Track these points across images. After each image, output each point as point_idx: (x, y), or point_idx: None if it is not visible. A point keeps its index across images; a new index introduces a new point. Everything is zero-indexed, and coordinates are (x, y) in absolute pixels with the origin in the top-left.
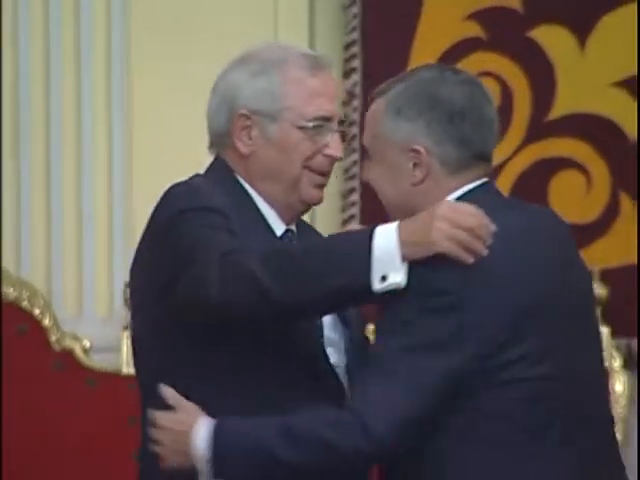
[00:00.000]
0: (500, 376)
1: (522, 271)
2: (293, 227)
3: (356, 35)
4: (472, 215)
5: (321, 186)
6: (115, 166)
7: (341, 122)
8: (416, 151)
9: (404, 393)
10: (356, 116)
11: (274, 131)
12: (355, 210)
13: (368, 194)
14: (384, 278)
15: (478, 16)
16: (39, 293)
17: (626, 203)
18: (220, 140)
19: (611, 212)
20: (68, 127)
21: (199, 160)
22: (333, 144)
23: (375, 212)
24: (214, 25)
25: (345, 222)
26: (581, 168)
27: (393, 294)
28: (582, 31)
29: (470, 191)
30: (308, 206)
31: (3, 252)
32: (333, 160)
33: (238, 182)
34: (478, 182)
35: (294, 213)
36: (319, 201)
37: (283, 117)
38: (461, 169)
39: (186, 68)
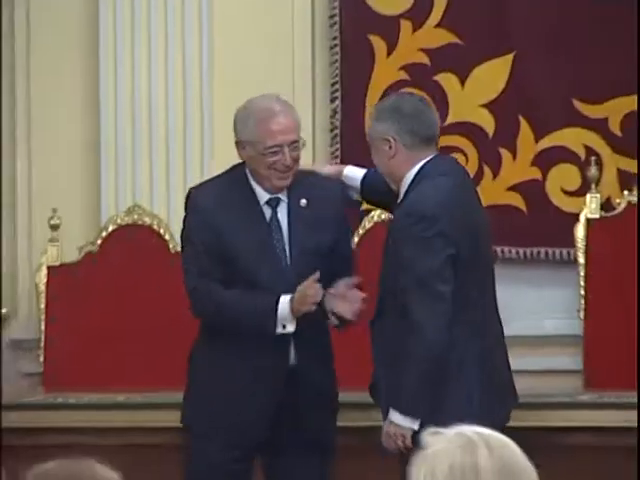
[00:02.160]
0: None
1: (453, 209)
2: (278, 195)
3: (338, 78)
4: (310, 288)
5: (284, 178)
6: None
7: (294, 142)
8: (388, 140)
9: None
10: (338, 124)
11: (250, 152)
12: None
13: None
14: (284, 327)
15: (405, 68)
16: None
17: (488, 174)
18: None
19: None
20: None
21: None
22: (284, 158)
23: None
24: None
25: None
26: (463, 152)
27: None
28: (463, 76)
29: (426, 162)
30: (279, 189)
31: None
32: (285, 166)
33: (245, 174)
34: (430, 156)
35: (274, 191)
36: (283, 187)
37: (254, 145)
38: (415, 149)
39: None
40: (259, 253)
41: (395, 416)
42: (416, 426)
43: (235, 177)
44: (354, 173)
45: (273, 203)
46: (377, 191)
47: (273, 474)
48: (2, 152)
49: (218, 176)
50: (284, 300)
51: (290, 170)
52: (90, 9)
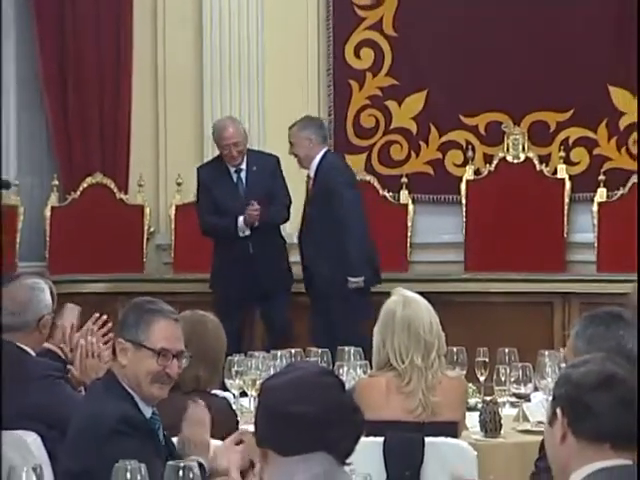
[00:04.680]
0: None
1: None
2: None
3: (332, 102)
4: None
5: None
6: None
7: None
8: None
9: None
10: (332, 127)
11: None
12: None
13: None
14: (243, 232)
15: (369, 97)
16: None
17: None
18: None
19: None
20: None
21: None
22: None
23: None
24: None
25: None
26: (400, 143)
27: None
28: (400, 102)
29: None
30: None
31: None
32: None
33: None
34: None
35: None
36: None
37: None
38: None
39: None
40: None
41: None
42: None
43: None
44: None
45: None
46: None
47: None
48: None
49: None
50: (240, 219)
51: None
52: None
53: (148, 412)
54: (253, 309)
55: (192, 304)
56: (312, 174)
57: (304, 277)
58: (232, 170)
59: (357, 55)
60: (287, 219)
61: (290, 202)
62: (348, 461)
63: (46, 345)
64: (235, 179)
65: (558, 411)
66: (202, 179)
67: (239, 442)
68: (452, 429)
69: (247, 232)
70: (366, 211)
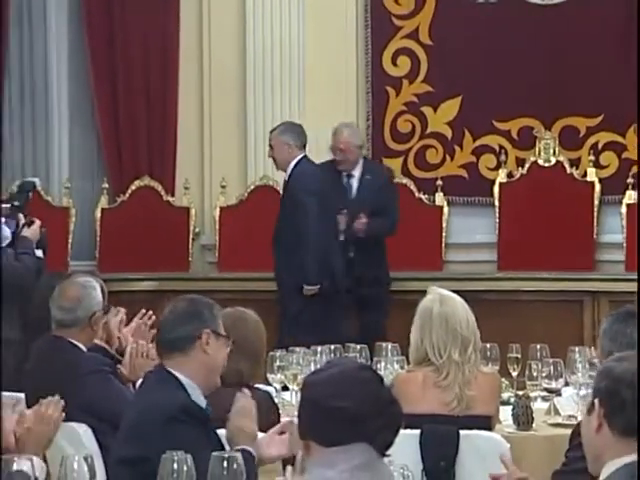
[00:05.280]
0: None
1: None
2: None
3: (370, 109)
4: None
5: None
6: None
7: None
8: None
9: None
10: (370, 132)
11: None
12: None
13: None
14: None
15: (405, 104)
16: None
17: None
18: None
19: None
20: None
21: None
22: None
23: None
24: None
25: None
26: (435, 148)
27: None
28: (435, 108)
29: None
30: None
31: None
32: None
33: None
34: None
35: None
36: None
37: None
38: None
39: None
40: None
41: None
42: None
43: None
44: None
45: None
46: None
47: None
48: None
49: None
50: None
51: None
52: None
53: (203, 403)
54: (350, 310)
55: (235, 302)
56: (286, 178)
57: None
58: (344, 174)
59: (394, 63)
60: (394, 233)
61: (398, 218)
62: (390, 458)
63: (96, 341)
64: (345, 183)
65: (596, 402)
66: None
67: (282, 433)
68: (486, 422)
69: (340, 238)
70: (327, 219)
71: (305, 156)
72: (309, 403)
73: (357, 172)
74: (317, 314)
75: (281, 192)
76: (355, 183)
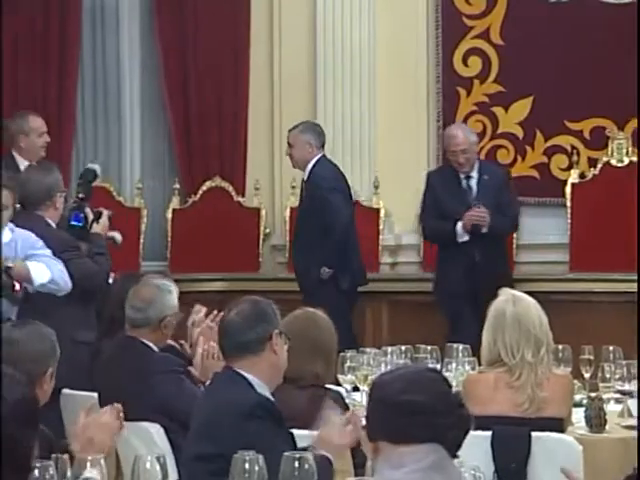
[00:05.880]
0: None
1: None
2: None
3: (441, 108)
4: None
5: None
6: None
7: None
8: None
9: None
10: (441, 132)
11: None
12: None
13: None
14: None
15: (476, 104)
16: None
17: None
18: None
19: None
20: None
21: None
22: None
23: None
24: None
25: None
26: (506, 148)
27: None
28: (506, 108)
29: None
30: None
31: None
32: None
33: None
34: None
35: None
36: None
37: None
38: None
39: None
40: None
41: None
42: None
43: None
44: None
45: None
46: None
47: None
48: None
49: None
50: (459, 225)
51: None
52: None
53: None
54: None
55: (305, 302)
56: (305, 177)
57: None
58: (462, 177)
59: (465, 63)
60: (515, 230)
61: (519, 214)
62: (461, 459)
63: (168, 341)
64: (464, 185)
65: None
66: (430, 183)
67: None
68: (558, 425)
69: (465, 238)
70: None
71: (324, 155)
72: (379, 402)
73: (474, 173)
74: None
75: (302, 191)
76: (474, 184)
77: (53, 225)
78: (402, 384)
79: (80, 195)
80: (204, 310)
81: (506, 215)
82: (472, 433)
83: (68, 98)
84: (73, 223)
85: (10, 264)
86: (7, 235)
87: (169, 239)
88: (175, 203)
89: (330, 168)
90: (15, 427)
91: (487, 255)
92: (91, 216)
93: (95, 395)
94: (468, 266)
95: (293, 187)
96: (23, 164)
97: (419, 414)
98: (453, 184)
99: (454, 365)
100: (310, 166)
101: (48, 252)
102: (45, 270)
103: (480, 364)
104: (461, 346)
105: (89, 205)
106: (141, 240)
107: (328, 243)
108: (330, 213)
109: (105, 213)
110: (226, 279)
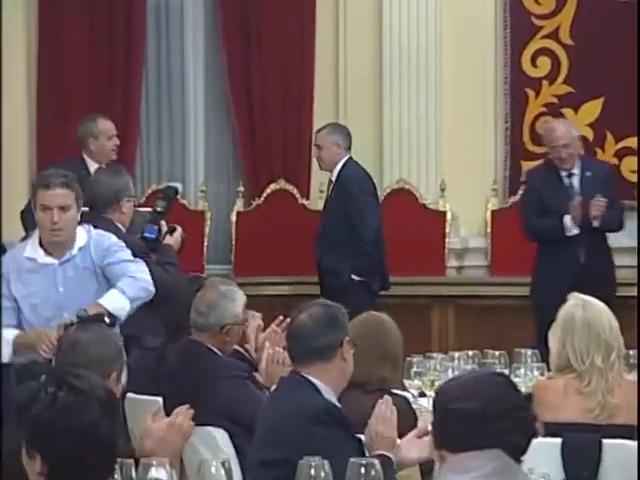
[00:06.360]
0: None
1: None
2: None
3: (509, 110)
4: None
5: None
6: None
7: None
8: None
9: None
10: (509, 133)
11: None
12: None
13: None
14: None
15: (545, 105)
16: None
17: None
18: None
19: None
20: None
21: None
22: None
23: None
24: None
25: None
26: None
27: None
28: (575, 109)
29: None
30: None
31: None
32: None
33: None
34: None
35: None
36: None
37: None
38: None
39: None
40: None
41: None
42: None
43: None
44: None
45: None
46: None
47: None
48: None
49: None
50: (566, 217)
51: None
52: None
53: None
54: None
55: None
56: (333, 179)
57: None
58: (563, 174)
59: (533, 63)
60: (622, 228)
61: (624, 211)
62: (531, 466)
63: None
64: (567, 183)
65: None
66: (531, 181)
67: (422, 437)
68: (630, 432)
69: (575, 231)
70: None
71: (350, 157)
72: (439, 409)
73: (577, 170)
74: None
75: (329, 192)
76: (577, 182)
77: (123, 229)
78: (457, 391)
79: (158, 209)
80: (258, 316)
81: (616, 209)
82: (542, 440)
83: (133, 99)
84: (146, 235)
85: (82, 313)
86: (82, 236)
87: (233, 242)
88: (239, 206)
89: (359, 169)
90: (98, 414)
91: (593, 257)
92: (165, 228)
93: (160, 399)
94: (573, 269)
95: None
96: (93, 167)
97: (470, 421)
98: (554, 182)
99: (522, 370)
100: (339, 167)
101: (128, 253)
102: (118, 296)
103: (549, 369)
104: (530, 351)
105: (165, 219)
106: (205, 243)
107: (360, 250)
108: (360, 215)
109: (179, 230)
110: (290, 283)
